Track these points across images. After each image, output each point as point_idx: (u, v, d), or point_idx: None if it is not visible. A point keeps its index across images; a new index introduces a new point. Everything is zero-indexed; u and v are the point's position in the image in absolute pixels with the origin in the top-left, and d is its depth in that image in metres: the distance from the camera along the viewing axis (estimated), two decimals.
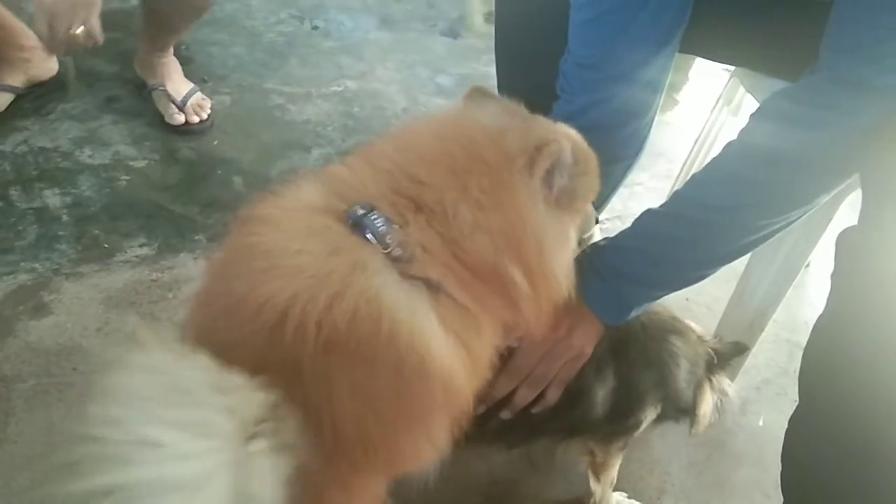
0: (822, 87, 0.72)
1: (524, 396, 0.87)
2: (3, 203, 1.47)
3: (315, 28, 2.26)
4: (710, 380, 0.99)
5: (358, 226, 0.63)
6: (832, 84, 0.71)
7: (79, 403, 1.15)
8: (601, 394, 0.90)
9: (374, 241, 0.62)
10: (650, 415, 0.95)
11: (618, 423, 0.94)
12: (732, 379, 1.24)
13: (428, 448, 0.67)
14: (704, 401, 0.98)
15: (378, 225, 0.62)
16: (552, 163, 0.66)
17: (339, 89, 2.00)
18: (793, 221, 0.78)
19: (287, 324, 0.57)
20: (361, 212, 0.63)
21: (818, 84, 0.73)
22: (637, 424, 0.95)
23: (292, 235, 0.63)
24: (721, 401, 1.01)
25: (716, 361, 0.99)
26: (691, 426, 1.00)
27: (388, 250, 0.62)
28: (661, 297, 0.86)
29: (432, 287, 0.63)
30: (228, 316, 0.61)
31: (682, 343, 0.93)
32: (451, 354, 0.63)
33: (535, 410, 0.88)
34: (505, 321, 0.70)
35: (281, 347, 0.57)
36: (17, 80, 1.67)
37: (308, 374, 0.58)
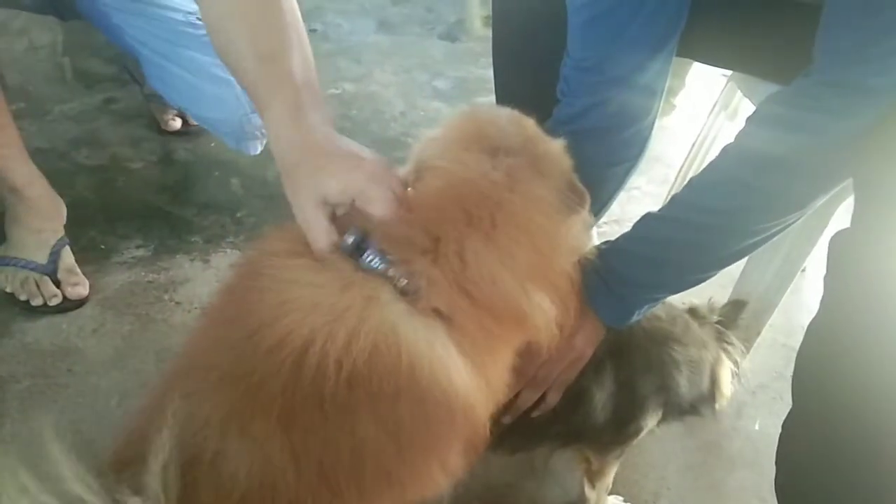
0: (814, 91, 0.72)
1: (526, 399, 0.87)
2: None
3: (313, 31, 2.27)
4: (725, 350, 0.99)
5: (358, 257, 0.63)
6: (824, 87, 0.71)
7: (73, 405, 1.15)
8: (600, 397, 0.90)
9: (379, 272, 0.62)
10: (651, 422, 0.94)
11: (619, 429, 0.94)
12: (750, 344, 1.27)
13: (443, 475, 0.67)
14: (723, 376, 0.98)
15: (376, 259, 0.63)
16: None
17: (337, 92, 2.00)
18: (790, 224, 0.79)
19: (307, 361, 0.57)
20: (351, 240, 0.63)
21: (810, 87, 0.73)
22: (637, 431, 0.95)
23: (303, 268, 0.63)
24: (738, 370, 1.02)
25: (724, 330, 0.99)
26: (712, 407, 1.00)
27: (395, 282, 0.62)
28: (662, 299, 0.86)
29: (444, 318, 0.63)
30: (245, 347, 0.60)
31: (684, 348, 0.93)
32: (470, 382, 0.63)
33: (535, 414, 0.88)
34: (520, 341, 0.70)
35: (302, 383, 0.57)
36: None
37: (330, 410, 0.58)
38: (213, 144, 1.74)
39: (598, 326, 0.85)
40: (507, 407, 0.86)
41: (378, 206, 0.65)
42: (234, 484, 0.57)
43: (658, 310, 0.94)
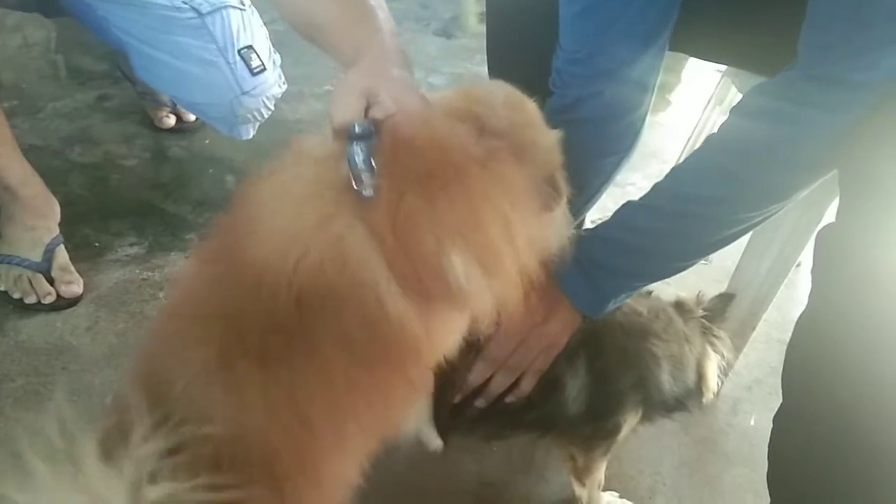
0: (799, 84, 0.72)
1: (499, 384, 0.87)
2: None
3: None
4: (711, 344, 0.99)
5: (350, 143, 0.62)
6: (808, 81, 0.71)
7: (68, 403, 1.14)
8: (573, 386, 0.90)
9: (350, 171, 0.61)
10: (630, 419, 0.94)
11: (596, 423, 0.94)
12: (745, 339, 1.27)
13: (410, 391, 0.70)
14: (709, 370, 0.98)
15: (362, 157, 0.61)
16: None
17: (331, 89, 1.99)
18: (772, 215, 0.79)
19: (266, 287, 0.58)
20: (359, 130, 0.62)
21: (795, 80, 0.73)
22: (617, 428, 0.94)
23: (274, 194, 0.63)
24: (725, 363, 1.01)
25: (710, 324, 0.99)
26: (699, 402, 0.99)
27: (360, 188, 0.60)
28: (639, 287, 0.86)
29: (385, 248, 0.61)
30: (229, 283, 0.61)
31: (665, 344, 0.93)
32: (407, 314, 0.62)
33: (509, 399, 0.88)
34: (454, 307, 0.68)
35: (270, 312, 0.58)
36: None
37: (293, 335, 0.59)
38: (207, 141, 1.74)
39: (572, 313, 0.85)
40: (479, 390, 0.87)
41: (379, 110, 0.65)
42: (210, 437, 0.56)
43: (639, 304, 0.94)
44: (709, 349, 0.99)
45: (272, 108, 1.46)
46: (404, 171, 0.61)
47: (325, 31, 0.82)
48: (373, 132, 0.63)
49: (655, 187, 0.84)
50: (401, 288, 0.62)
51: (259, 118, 1.45)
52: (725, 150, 0.79)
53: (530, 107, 0.74)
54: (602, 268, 0.83)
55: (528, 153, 0.68)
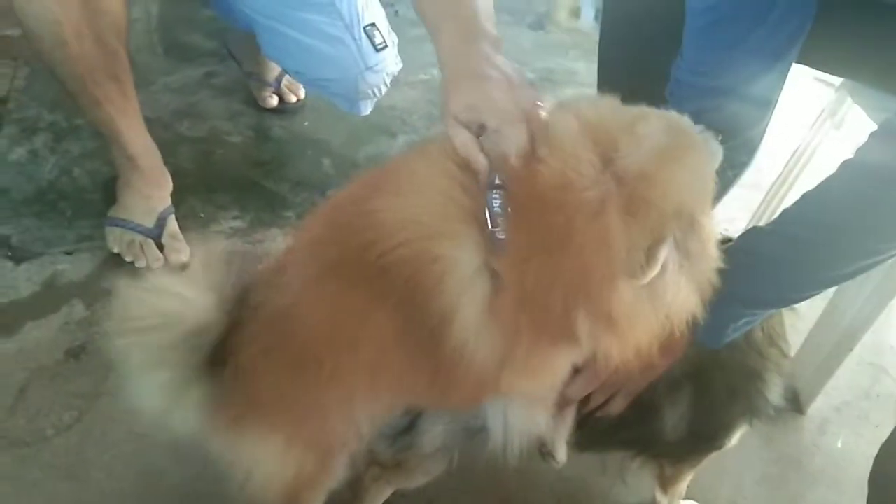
0: None
1: (595, 401, 0.86)
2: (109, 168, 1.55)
3: (396, 14, 2.28)
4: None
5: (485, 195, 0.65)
6: None
7: None
8: (671, 415, 0.88)
9: (489, 216, 0.64)
10: (735, 438, 0.93)
11: (696, 447, 0.94)
12: (838, 362, 1.23)
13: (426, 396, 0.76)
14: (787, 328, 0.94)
15: (497, 203, 0.64)
16: None
17: (426, 78, 2.02)
18: None
19: (367, 237, 0.65)
20: (497, 181, 0.65)
21: None
22: (720, 447, 0.94)
23: (416, 175, 0.68)
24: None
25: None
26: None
27: (495, 231, 0.63)
28: (760, 316, 0.82)
29: (500, 284, 0.64)
30: (350, 225, 0.68)
31: (773, 373, 0.89)
32: (479, 334, 0.65)
33: (598, 415, 0.87)
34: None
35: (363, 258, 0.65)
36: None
37: (373, 287, 0.66)
38: (306, 123, 1.79)
39: (681, 339, 0.81)
40: (581, 405, 0.87)
41: (506, 143, 0.66)
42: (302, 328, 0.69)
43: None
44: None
45: (389, 85, 1.51)
46: (529, 223, 0.64)
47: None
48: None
49: (785, 213, 0.81)
50: (501, 325, 0.65)
51: (378, 94, 1.50)
52: (867, 176, 0.75)
53: (688, 162, 0.67)
54: (722, 295, 0.76)
55: (641, 210, 0.63)
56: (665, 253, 0.63)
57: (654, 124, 0.67)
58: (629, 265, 0.62)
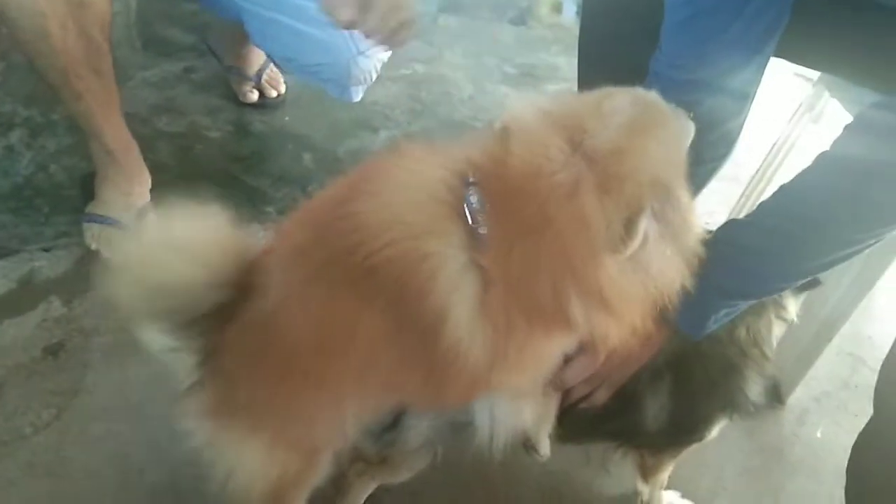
0: None
1: (576, 393, 0.87)
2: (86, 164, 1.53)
3: None
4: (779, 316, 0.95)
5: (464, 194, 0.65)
6: None
7: (153, 359, 1.20)
8: (652, 406, 0.89)
9: (468, 213, 0.64)
10: (715, 431, 0.94)
11: (678, 438, 0.95)
12: (819, 352, 1.24)
13: (415, 394, 0.75)
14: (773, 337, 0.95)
15: (474, 201, 0.64)
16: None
17: (408, 73, 2.01)
18: (884, 237, 0.77)
19: (353, 239, 0.64)
20: (473, 179, 0.65)
21: None
22: (700, 440, 0.95)
23: (399, 177, 0.68)
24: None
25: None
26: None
27: (476, 226, 0.64)
28: (741, 307, 0.83)
29: (487, 280, 0.64)
30: (332, 227, 0.68)
31: (754, 371, 0.90)
32: (472, 331, 0.65)
33: (581, 406, 0.88)
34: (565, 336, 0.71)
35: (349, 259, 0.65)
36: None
37: (359, 289, 0.65)
38: (287, 119, 1.78)
39: (664, 329, 0.82)
40: (564, 396, 0.87)
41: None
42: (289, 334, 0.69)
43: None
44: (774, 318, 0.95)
45: (379, 71, 1.50)
46: (506, 215, 0.64)
47: None
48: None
49: (763, 206, 0.82)
50: (493, 321, 0.65)
51: (369, 80, 1.49)
52: (845, 168, 0.76)
53: (658, 134, 0.68)
54: (702, 285, 0.77)
55: (615, 185, 0.63)
56: (644, 223, 0.64)
57: (619, 101, 0.68)
58: (610, 240, 0.63)
